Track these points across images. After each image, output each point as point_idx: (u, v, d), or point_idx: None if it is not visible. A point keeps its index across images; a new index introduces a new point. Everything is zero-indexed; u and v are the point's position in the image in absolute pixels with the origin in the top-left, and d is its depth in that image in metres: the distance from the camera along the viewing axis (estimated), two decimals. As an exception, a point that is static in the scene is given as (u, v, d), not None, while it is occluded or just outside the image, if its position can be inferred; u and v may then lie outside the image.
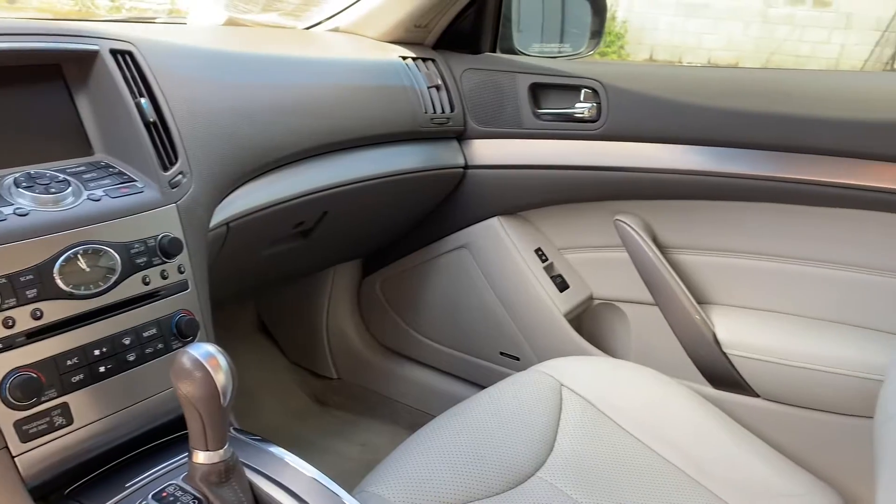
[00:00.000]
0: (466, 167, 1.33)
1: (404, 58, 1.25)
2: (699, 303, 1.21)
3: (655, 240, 1.25)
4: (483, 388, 1.04)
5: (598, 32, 1.41)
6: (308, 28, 1.31)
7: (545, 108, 1.27)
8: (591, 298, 1.37)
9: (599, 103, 1.21)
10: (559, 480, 0.88)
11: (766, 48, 8.32)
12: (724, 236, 1.21)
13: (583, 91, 1.22)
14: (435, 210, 1.41)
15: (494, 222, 1.35)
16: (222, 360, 0.60)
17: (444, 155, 1.30)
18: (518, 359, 1.38)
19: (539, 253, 1.35)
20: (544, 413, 0.97)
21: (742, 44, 8.37)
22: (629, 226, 1.23)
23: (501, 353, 1.41)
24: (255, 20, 1.23)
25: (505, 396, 1.00)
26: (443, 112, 1.27)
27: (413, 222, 1.44)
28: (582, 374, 1.07)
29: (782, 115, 1.08)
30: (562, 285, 1.34)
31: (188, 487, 0.64)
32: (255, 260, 1.12)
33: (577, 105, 1.23)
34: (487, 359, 1.44)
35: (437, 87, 1.28)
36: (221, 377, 0.60)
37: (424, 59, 1.29)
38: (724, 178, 1.14)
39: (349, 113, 1.11)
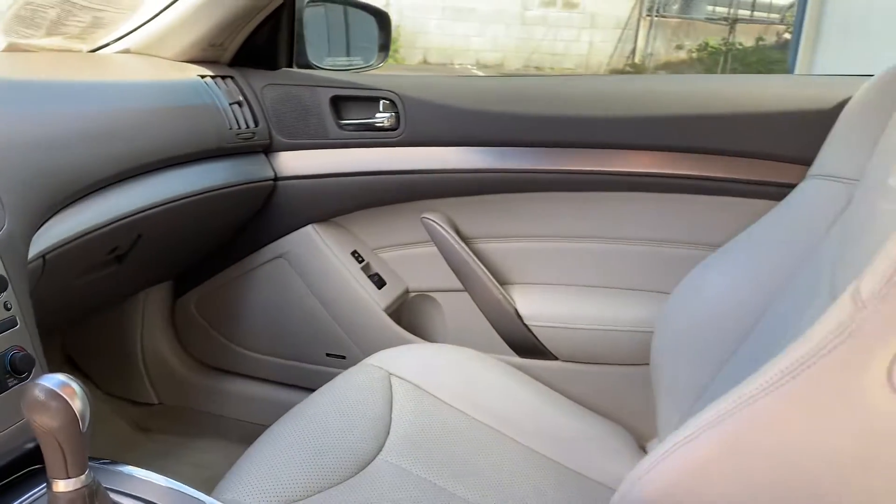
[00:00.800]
0: (276, 179, 1.37)
1: (203, 76, 1.26)
2: (501, 284, 1.35)
3: (459, 232, 1.37)
4: (312, 391, 1.08)
5: (385, 46, 1.52)
6: (95, 50, 1.27)
7: (347, 119, 1.35)
8: (407, 292, 1.47)
9: (398, 112, 1.31)
10: (398, 458, 0.95)
11: (527, 47, 9.04)
12: (516, 224, 1.36)
13: (381, 102, 1.32)
14: (248, 223, 1.42)
15: (309, 230, 1.40)
16: (76, 386, 0.61)
17: (251, 169, 1.33)
18: (344, 357, 1.45)
19: (355, 255, 1.42)
20: (377, 401, 1.04)
21: (506, 44, 9.02)
22: (435, 222, 1.35)
23: (328, 355, 1.46)
24: (38, 45, 1.17)
25: (340, 392, 1.05)
26: (247, 127, 1.30)
27: (226, 237, 1.45)
28: (407, 361, 1.15)
29: (550, 116, 1.25)
30: (379, 283, 1.42)
31: (50, 520, 0.64)
32: (67, 291, 1.08)
33: (378, 115, 1.32)
34: (314, 362, 1.48)
35: (240, 104, 1.30)
36: (78, 403, 0.60)
37: (223, 77, 1.30)
38: (509, 174, 1.29)
39: (152, 134, 1.09)
